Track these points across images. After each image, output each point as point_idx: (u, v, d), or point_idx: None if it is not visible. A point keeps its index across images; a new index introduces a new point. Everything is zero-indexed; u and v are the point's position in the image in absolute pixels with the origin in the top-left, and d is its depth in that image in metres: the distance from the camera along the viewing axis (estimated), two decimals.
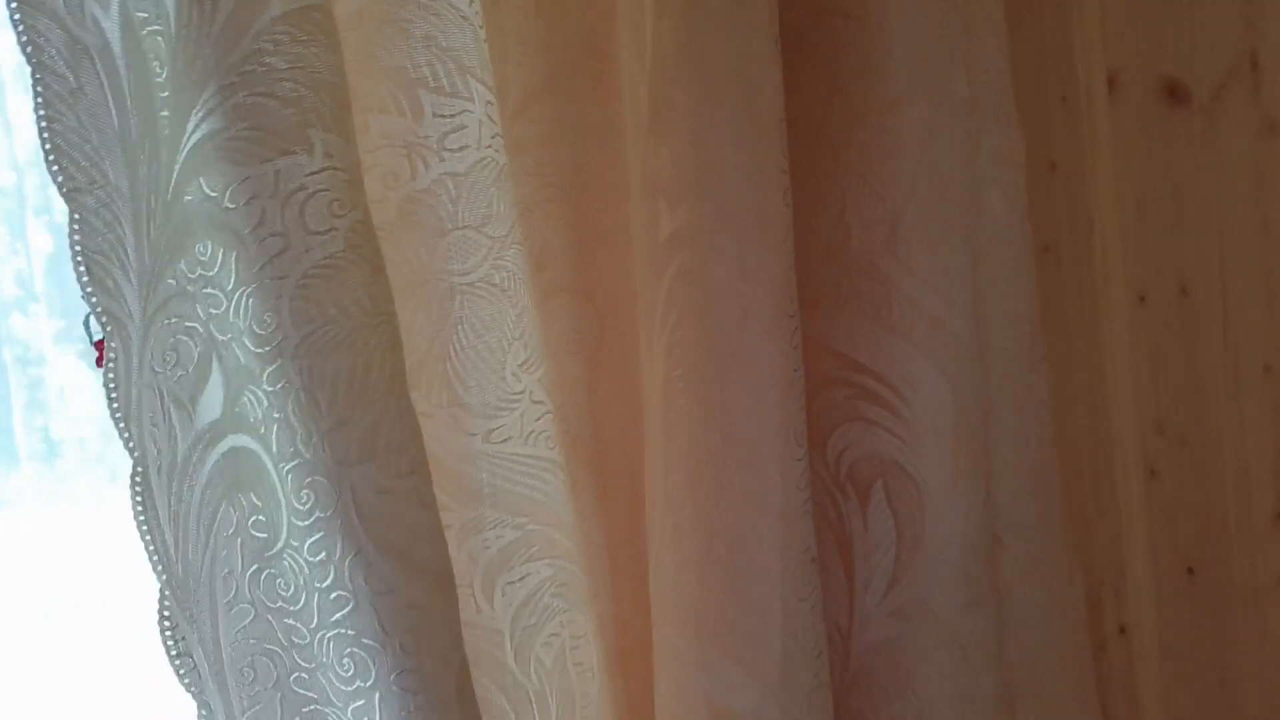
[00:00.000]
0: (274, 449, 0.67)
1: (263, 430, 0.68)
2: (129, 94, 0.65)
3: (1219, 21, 1.17)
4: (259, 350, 0.66)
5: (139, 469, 0.71)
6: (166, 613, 0.73)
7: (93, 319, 0.81)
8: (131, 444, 0.70)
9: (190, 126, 0.64)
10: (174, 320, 0.68)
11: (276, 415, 0.67)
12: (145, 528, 0.71)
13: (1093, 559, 1.29)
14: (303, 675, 0.72)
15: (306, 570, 0.69)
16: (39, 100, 0.66)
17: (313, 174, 0.64)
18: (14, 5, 0.65)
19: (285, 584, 0.70)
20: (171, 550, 0.71)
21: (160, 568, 0.72)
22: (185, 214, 0.66)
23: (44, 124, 0.66)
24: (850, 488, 0.97)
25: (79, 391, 1.48)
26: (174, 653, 0.74)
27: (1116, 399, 1.27)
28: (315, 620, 0.70)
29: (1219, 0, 1.17)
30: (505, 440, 0.79)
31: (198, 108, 0.64)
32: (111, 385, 0.70)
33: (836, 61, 0.91)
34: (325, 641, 0.70)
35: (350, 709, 0.71)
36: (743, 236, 0.79)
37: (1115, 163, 1.24)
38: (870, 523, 0.97)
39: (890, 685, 0.99)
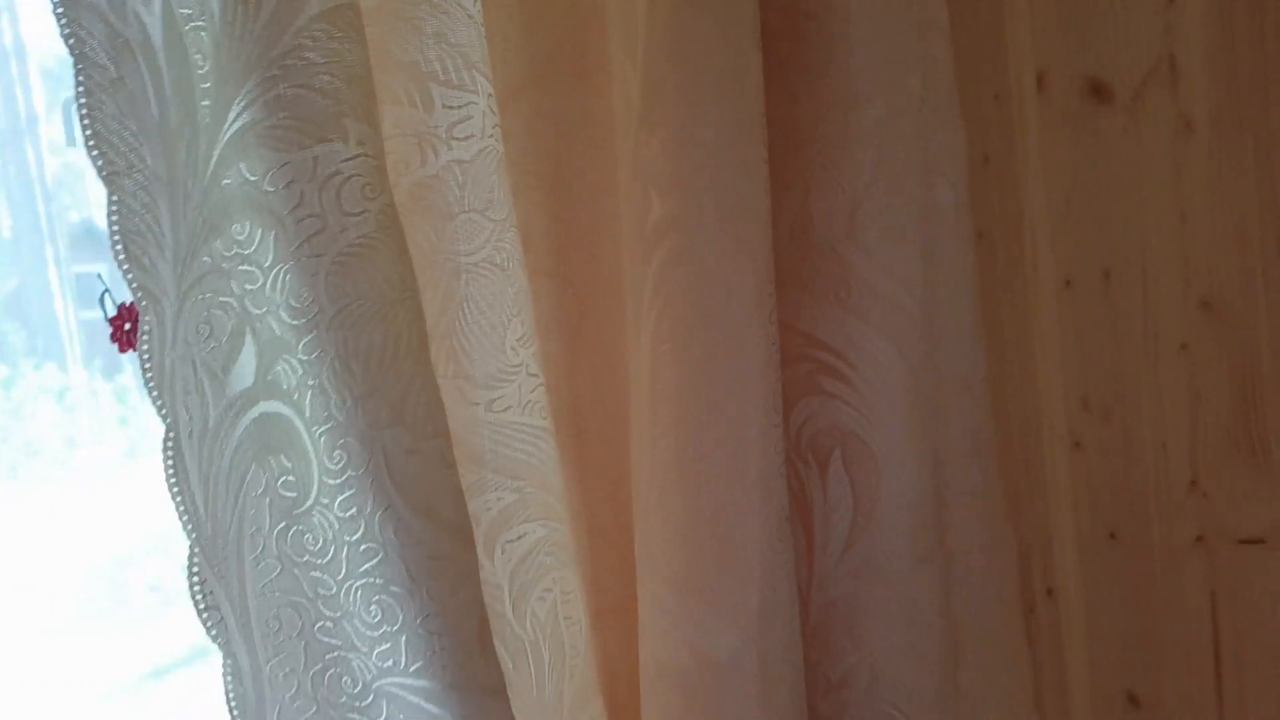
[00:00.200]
0: (307, 414, 0.73)
1: (296, 396, 0.73)
2: (168, 85, 0.70)
3: (1140, 26, 1.26)
4: (295, 322, 0.71)
5: (170, 435, 0.75)
6: (195, 569, 0.78)
7: (107, 297, 0.85)
8: (164, 411, 0.75)
9: (231, 116, 0.69)
10: (208, 295, 0.72)
11: (311, 383, 0.72)
12: (176, 489, 0.76)
13: (1022, 525, 1.37)
14: (327, 624, 0.77)
15: (336, 525, 0.74)
16: (80, 89, 0.70)
17: (347, 160, 0.70)
18: (58, 5, 0.69)
19: (314, 539, 0.75)
20: (201, 510, 0.76)
21: (190, 527, 0.77)
22: (223, 196, 0.71)
23: (85, 112, 0.70)
24: (810, 456, 1.04)
25: None
26: (201, 606, 0.78)
27: (1044, 376, 1.36)
28: (343, 571, 0.75)
29: (1140, 6, 1.25)
30: (505, 409, 0.85)
31: (240, 98, 0.69)
32: (146, 357, 0.74)
33: (802, 60, 0.97)
34: (353, 591, 0.75)
35: (375, 652, 0.76)
36: (727, 221, 0.85)
37: (1044, 157, 1.32)
38: (829, 489, 1.04)
39: (846, 639, 1.06)
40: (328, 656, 0.78)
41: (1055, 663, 1.39)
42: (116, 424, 2.18)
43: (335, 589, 0.76)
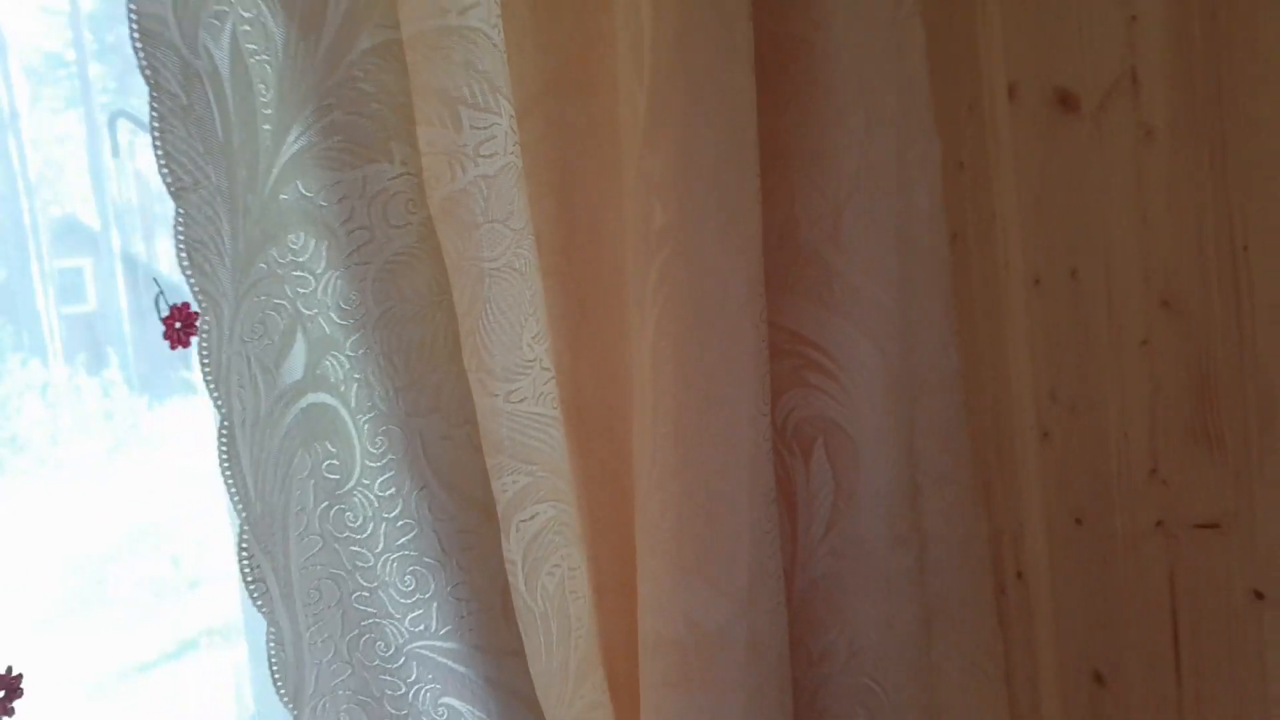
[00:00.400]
0: (352, 404, 0.86)
1: (342, 389, 0.86)
2: (233, 110, 0.82)
3: (1104, 41, 1.40)
4: (343, 322, 0.84)
5: (225, 424, 0.88)
6: (244, 545, 0.90)
7: (161, 298, 0.98)
8: (220, 402, 0.88)
9: (290, 138, 0.82)
10: (263, 298, 0.85)
11: (357, 376, 0.85)
12: (229, 473, 0.88)
13: (994, 511, 1.51)
14: (363, 594, 0.90)
15: (376, 504, 0.87)
16: (154, 114, 0.83)
17: (393, 178, 0.83)
18: (136, 37, 0.82)
19: (354, 517, 0.88)
20: (251, 492, 0.88)
21: (240, 507, 0.89)
22: (280, 210, 0.83)
23: (157, 134, 0.83)
24: (795, 444, 1.18)
25: None
26: (249, 579, 0.91)
27: (1015, 370, 1.50)
28: (381, 545, 0.88)
29: (1105, 23, 1.39)
30: (521, 400, 0.97)
31: (298, 123, 0.82)
32: (205, 352, 0.87)
33: (790, 78, 1.11)
34: (389, 563, 0.89)
35: (408, 618, 0.89)
36: (724, 227, 0.98)
37: (1015, 162, 1.46)
38: (812, 474, 1.18)
39: (827, 615, 1.20)
40: (363, 623, 0.91)
41: (1025, 641, 1.53)
42: (101, 419, 2.27)
43: (373, 561, 0.89)
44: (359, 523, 0.88)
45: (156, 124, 0.82)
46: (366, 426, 0.86)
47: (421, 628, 0.89)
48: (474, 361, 0.95)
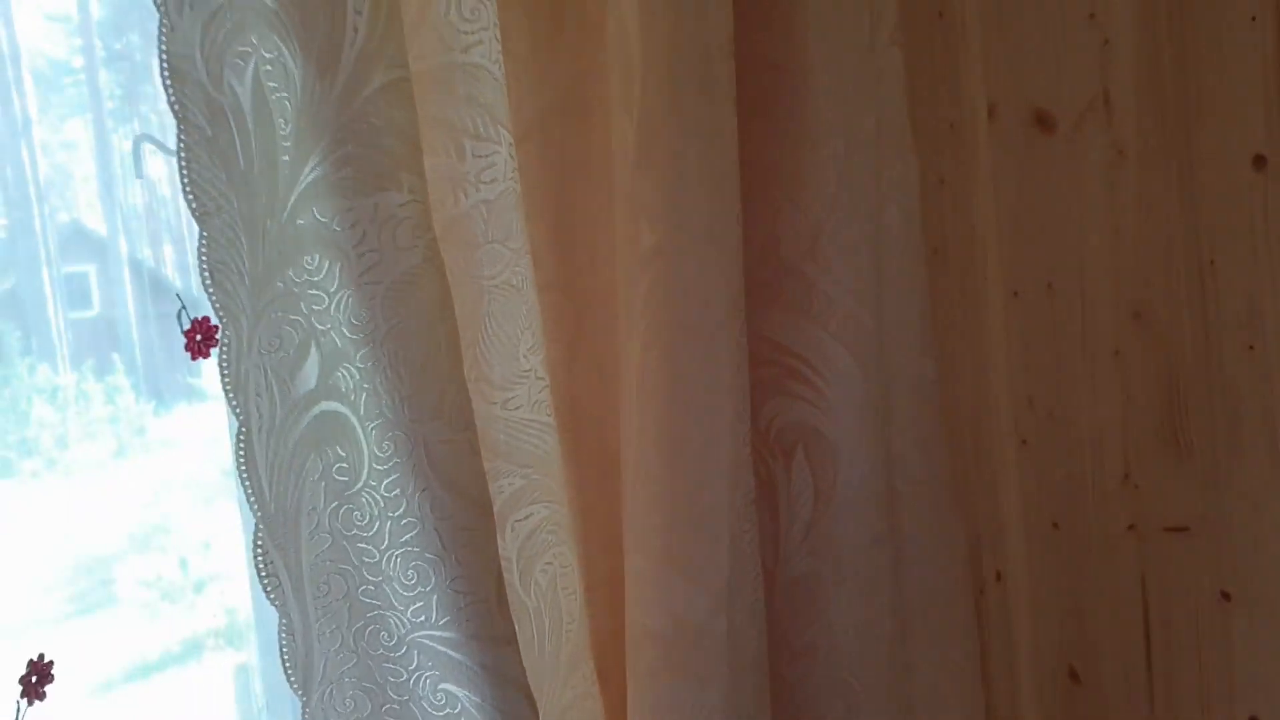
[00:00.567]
0: (361, 411, 0.96)
1: (352, 397, 0.96)
2: (254, 142, 0.93)
3: (1079, 64, 1.50)
4: (354, 337, 0.94)
5: (243, 430, 0.98)
6: (259, 543, 1.01)
7: (183, 313, 1.08)
8: (238, 409, 0.98)
9: (307, 169, 0.92)
10: (280, 314, 0.95)
11: (366, 386, 0.95)
12: (246, 475, 0.98)
13: (974, 514, 1.61)
14: (369, 588, 1.00)
15: (382, 504, 0.98)
16: (181, 145, 0.93)
17: (401, 205, 0.93)
18: (166, 75, 0.92)
19: (361, 516, 0.99)
20: (266, 493, 0.99)
21: (256, 506, 0.99)
22: (297, 234, 0.94)
23: (184, 164, 0.93)
24: (777, 449, 1.28)
25: None
26: (263, 574, 1.01)
27: (994, 378, 1.60)
28: (386, 542, 0.98)
29: (1079, 46, 1.49)
30: (518, 407, 1.07)
31: (314, 154, 0.92)
32: (225, 364, 0.97)
33: (772, 104, 1.21)
34: (393, 559, 0.99)
35: (410, 610, 1.00)
36: (706, 249, 1.09)
37: (994, 179, 1.56)
38: (793, 478, 1.28)
39: (807, 612, 1.30)
40: (368, 615, 1.01)
41: (1004, 640, 1.64)
42: (107, 423, 2.37)
43: (378, 557, 0.99)
44: (366, 521, 0.98)
45: (183, 154, 0.92)
46: (374, 432, 0.96)
47: (422, 619, 0.99)
48: (474, 371, 1.05)
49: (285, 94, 0.91)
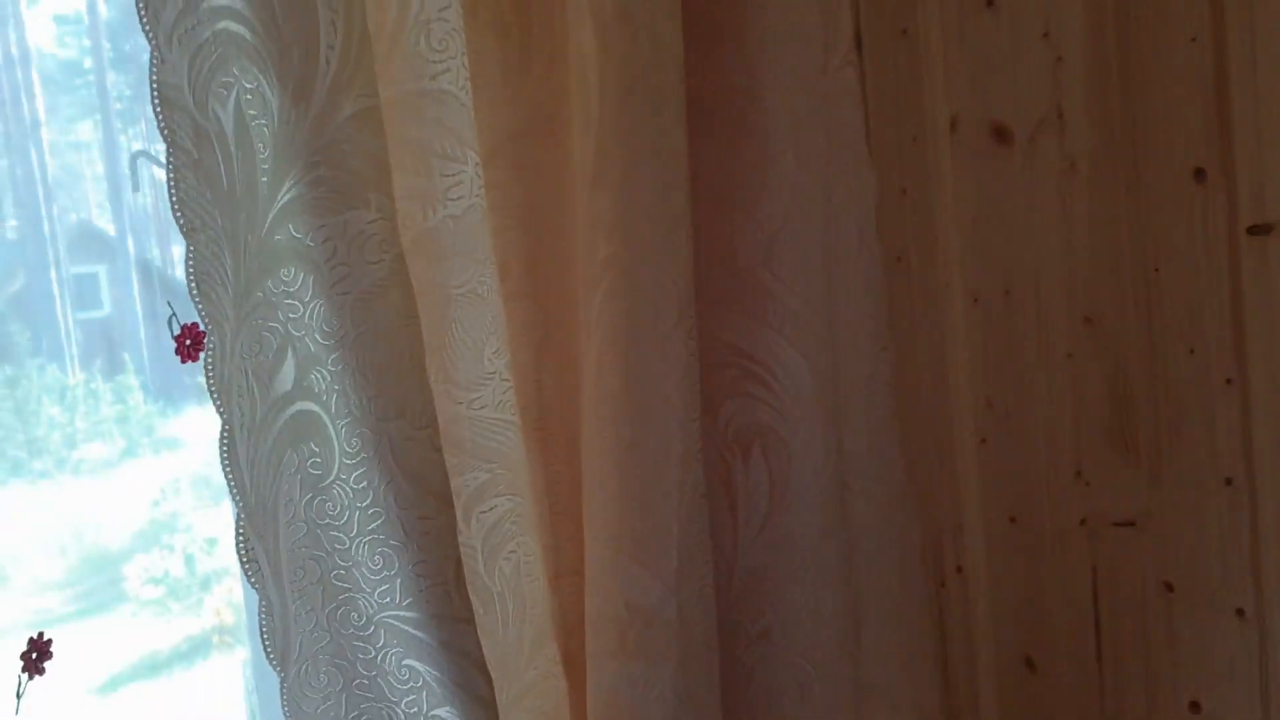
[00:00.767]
0: (333, 411, 1.06)
1: (325, 398, 1.06)
2: (236, 165, 1.03)
3: (1034, 80, 1.59)
4: (326, 342, 1.05)
5: (226, 427, 1.08)
6: (241, 531, 1.11)
7: (174, 319, 1.18)
8: (221, 409, 1.08)
9: (284, 189, 1.02)
10: (260, 321, 1.05)
11: (337, 387, 1.05)
12: (229, 470, 1.08)
13: (935, 511, 1.71)
14: (340, 571, 1.10)
15: (351, 495, 1.08)
16: (170, 166, 1.03)
17: (369, 223, 1.03)
18: (156, 102, 1.02)
19: (333, 506, 1.09)
20: (247, 485, 1.09)
21: (238, 498, 1.09)
22: (274, 248, 1.04)
23: (172, 184, 1.03)
24: (735, 447, 1.37)
25: None
26: (245, 560, 1.11)
27: (955, 380, 1.69)
28: (355, 530, 1.09)
29: (1034, 64, 1.59)
30: (482, 407, 1.17)
31: (290, 176, 1.02)
32: (210, 367, 1.07)
33: (730, 124, 1.30)
34: (362, 546, 1.09)
35: (377, 592, 1.10)
36: (656, 260, 1.18)
37: (955, 189, 1.65)
38: (750, 474, 1.37)
39: (763, 601, 1.39)
40: (340, 597, 1.11)
41: (964, 630, 1.73)
42: (116, 423, 2.46)
43: (348, 544, 1.10)
44: (337, 511, 1.08)
45: (172, 175, 1.02)
46: (344, 430, 1.06)
47: (388, 600, 1.10)
48: (441, 374, 1.15)
49: (264, 121, 1.01)
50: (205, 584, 2.44)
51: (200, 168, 1.02)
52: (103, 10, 2.38)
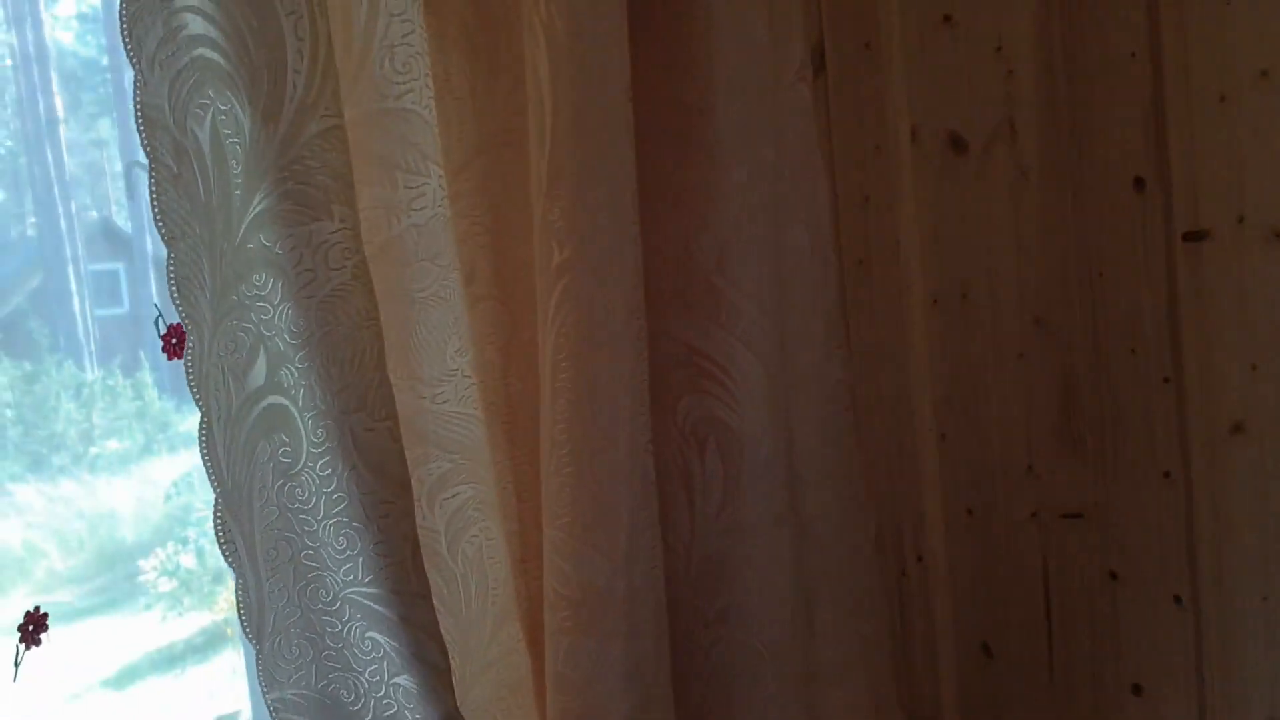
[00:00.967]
0: (300, 404, 1.16)
1: (293, 392, 1.16)
2: (213, 179, 1.13)
3: (988, 93, 1.68)
4: (294, 341, 1.15)
5: (204, 419, 1.18)
6: (219, 515, 1.21)
7: (160, 320, 1.28)
8: (200, 402, 1.18)
9: (255, 201, 1.12)
10: (234, 322, 1.15)
11: (303, 383, 1.15)
12: (207, 458, 1.18)
13: (896, 503, 1.80)
14: (310, 552, 1.20)
15: (318, 481, 1.18)
16: (152, 180, 1.13)
17: (333, 232, 1.13)
18: (140, 123, 1.12)
19: (302, 491, 1.19)
20: (224, 472, 1.19)
21: (215, 484, 1.19)
22: (247, 256, 1.14)
23: (153, 196, 1.13)
24: (692, 440, 1.47)
25: None
26: (222, 541, 1.21)
27: (915, 378, 1.78)
28: (321, 514, 1.19)
29: (988, 77, 1.67)
30: (445, 402, 1.27)
31: (261, 190, 1.12)
32: (189, 364, 1.17)
33: (685, 138, 1.40)
34: (328, 527, 1.19)
35: (342, 570, 1.20)
36: (606, 266, 1.28)
37: (915, 196, 1.74)
38: (706, 465, 1.47)
39: (719, 584, 1.49)
40: (309, 575, 1.21)
41: (925, 618, 1.82)
42: (133, 419, 2.56)
43: (315, 526, 1.20)
44: (305, 496, 1.18)
45: (153, 188, 1.12)
46: (310, 421, 1.16)
47: (352, 578, 1.20)
48: (405, 371, 1.25)
49: (237, 140, 1.11)
50: (218, 577, 2.54)
51: (180, 181, 1.12)
52: (118, 4, 2.48)
